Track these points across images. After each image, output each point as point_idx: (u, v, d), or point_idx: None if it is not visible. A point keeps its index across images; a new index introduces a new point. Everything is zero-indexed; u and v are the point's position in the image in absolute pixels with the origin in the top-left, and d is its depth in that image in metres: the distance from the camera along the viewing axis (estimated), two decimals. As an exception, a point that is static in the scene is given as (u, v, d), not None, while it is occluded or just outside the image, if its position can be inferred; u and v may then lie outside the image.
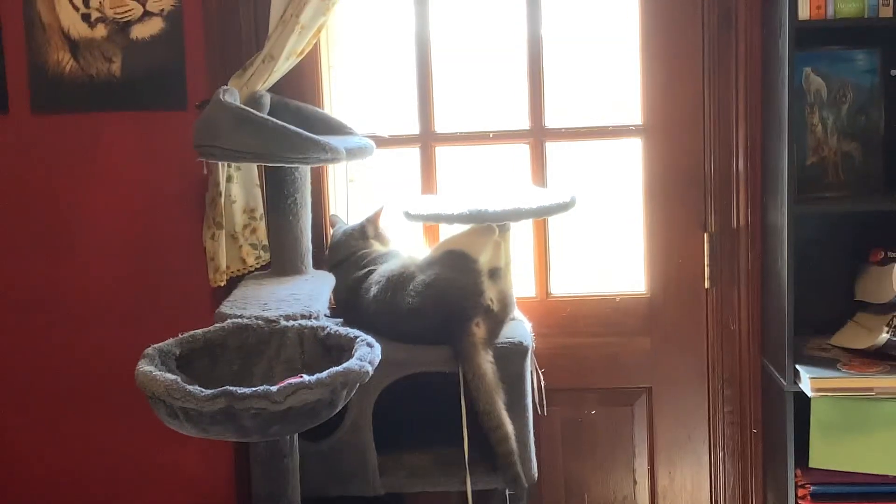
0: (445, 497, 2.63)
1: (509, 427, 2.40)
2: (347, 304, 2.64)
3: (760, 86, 2.75)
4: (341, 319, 2.56)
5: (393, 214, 2.76)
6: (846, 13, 2.49)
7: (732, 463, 2.92)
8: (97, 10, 2.79)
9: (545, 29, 2.86)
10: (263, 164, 2.60)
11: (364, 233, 2.73)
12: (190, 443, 2.54)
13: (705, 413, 2.93)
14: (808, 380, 2.49)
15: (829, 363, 2.57)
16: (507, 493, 2.46)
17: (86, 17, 2.80)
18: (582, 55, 3.07)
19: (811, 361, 2.58)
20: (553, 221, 2.92)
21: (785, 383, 2.56)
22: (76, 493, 2.97)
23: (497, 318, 2.49)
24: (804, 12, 2.47)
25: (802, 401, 2.53)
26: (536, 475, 2.56)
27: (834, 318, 2.74)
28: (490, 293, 2.48)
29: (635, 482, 2.98)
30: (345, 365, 1.98)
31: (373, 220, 2.74)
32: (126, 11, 2.79)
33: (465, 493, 2.47)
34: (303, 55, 2.69)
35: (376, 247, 2.72)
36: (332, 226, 2.83)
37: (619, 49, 2.97)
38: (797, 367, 2.54)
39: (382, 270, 2.58)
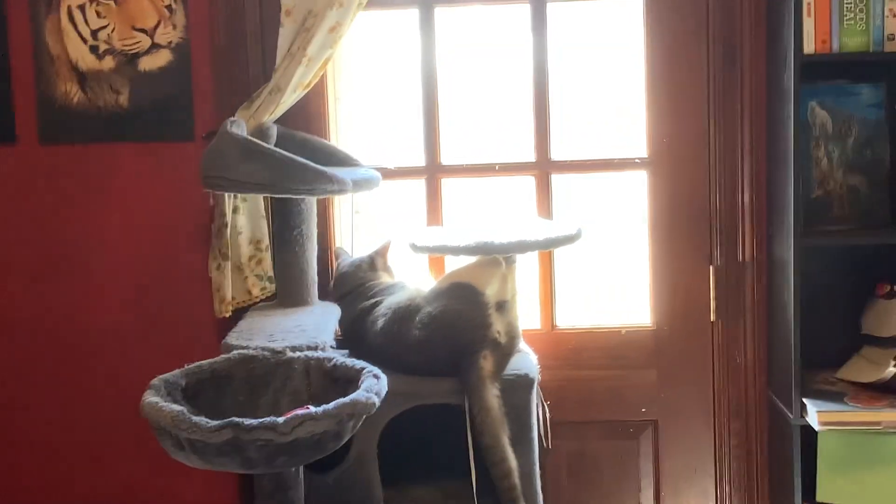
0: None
1: (513, 462, 2.39)
2: (354, 335, 2.63)
3: (766, 119, 2.76)
4: (347, 351, 2.56)
5: (399, 247, 2.76)
6: (851, 47, 2.50)
7: (739, 497, 2.90)
8: (105, 42, 2.81)
9: (550, 44, 2.86)
10: (270, 196, 2.61)
11: (373, 265, 2.73)
12: (194, 474, 2.53)
13: (711, 446, 2.92)
14: (814, 413, 2.47)
15: (836, 397, 2.56)
16: None
17: (94, 49, 2.82)
18: (587, 60, 3.07)
19: (818, 395, 2.57)
20: (559, 253, 2.92)
21: (792, 416, 2.55)
22: (79, 524, 2.96)
23: (504, 351, 2.49)
24: (809, 46, 2.49)
25: (809, 434, 2.52)
26: (542, 508, 2.55)
27: (840, 352, 2.73)
28: (498, 325, 2.47)
29: (641, 516, 2.97)
30: (351, 396, 1.97)
31: (381, 253, 2.75)
32: (134, 44, 2.81)
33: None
34: (309, 87, 2.70)
35: (384, 278, 2.72)
36: (337, 258, 2.83)
37: (623, 55, 2.97)
38: (804, 400, 2.53)
39: (389, 302, 2.58)
